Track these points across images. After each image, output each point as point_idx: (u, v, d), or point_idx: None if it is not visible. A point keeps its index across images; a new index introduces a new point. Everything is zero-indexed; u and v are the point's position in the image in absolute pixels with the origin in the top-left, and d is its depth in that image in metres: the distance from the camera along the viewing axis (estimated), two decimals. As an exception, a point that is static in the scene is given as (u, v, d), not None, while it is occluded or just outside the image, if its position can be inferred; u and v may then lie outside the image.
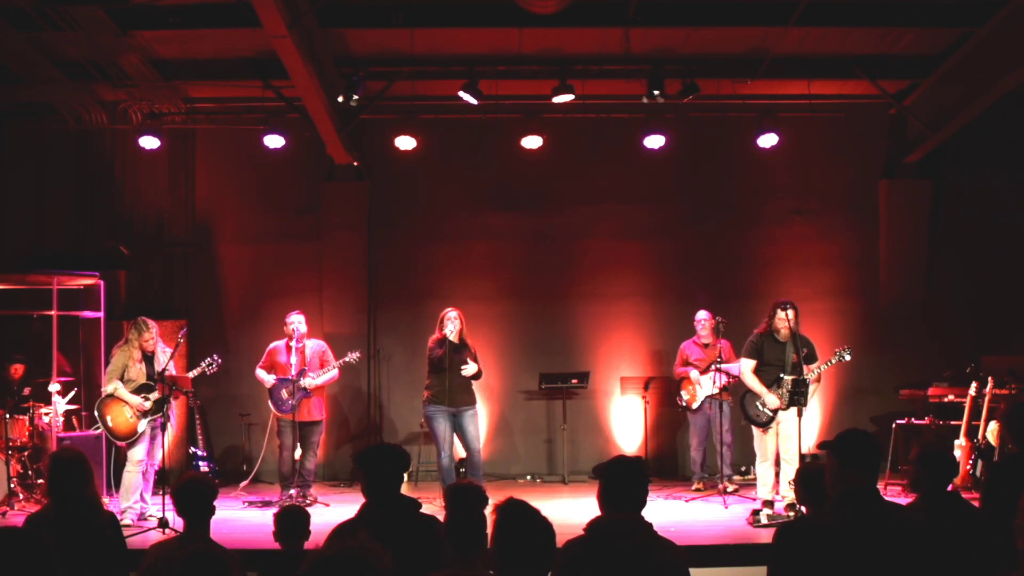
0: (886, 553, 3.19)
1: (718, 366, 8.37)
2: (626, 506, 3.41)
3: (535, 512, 3.10)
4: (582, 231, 10.25)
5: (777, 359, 7.39)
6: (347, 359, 8.38)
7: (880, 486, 8.76)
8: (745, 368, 7.55)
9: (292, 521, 4.36)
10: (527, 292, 10.23)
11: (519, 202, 10.25)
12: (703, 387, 8.83)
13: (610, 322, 10.20)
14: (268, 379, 8.34)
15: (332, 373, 8.41)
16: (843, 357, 7.42)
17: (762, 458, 7.48)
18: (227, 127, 10.09)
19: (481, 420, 8.75)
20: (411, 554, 3.20)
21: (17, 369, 9.03)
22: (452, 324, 7.97)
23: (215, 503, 4.05)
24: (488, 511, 3.21)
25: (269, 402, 8.38)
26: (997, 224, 10.05)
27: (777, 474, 7.57)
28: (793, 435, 7.17)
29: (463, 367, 7.94)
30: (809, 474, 4.44)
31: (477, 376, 8.11)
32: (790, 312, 7.38)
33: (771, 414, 7.36)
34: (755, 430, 7.51)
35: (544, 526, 3.07)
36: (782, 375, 7.34)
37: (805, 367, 7.31)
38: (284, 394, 8.24)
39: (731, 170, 10.15)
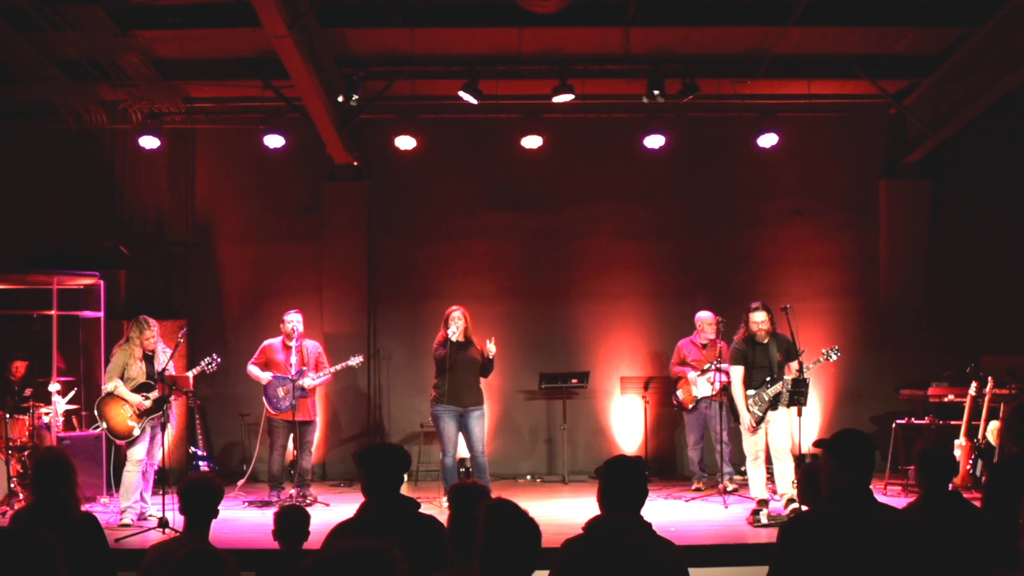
0: (878, 552, 3.21)
1: (718, 366, 8.37)
2: (626, 506, 3.41)
3: (522, 512, 3.07)
4: (582, 231, 10.25)
5: (761, 362, 7.45)
6: (350, 363, 8.36)
7: (880, 486, 8.80)
8: (735, 376, 7.56)
9: (293, 521, 4.36)
10: (527, 292, 10.22)
11: (519, 202, 10.25)
12: (699, 388, 8.84)
13: (610, 322, 10.20)
14: (264, 376, 8.32)
15: (328, 376, 8.43)
16: (830, 357, 7.49)
17: (752, 458, 7.51)
18: (227, 127, 10.10)
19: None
20: (410, 554, 3.18)
21: (19, 367, 9.02)
22: (455, 324, 7.92)
23: (219, 506, 4.05)
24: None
25: (263, 399, 8.38)
26: (997, 224, 10.04)
27: (770, 473, 7.59)
28: (784, 434, 7.32)
29: (486, 348, 7.95)
30: (814, 473, 4.44)
31: (485, 372, 8.10)
32: (760, 314, 7.43)
33: (760, 415, 7.41)
34: (744, 431, 7.55)
35: (530, 526, 3.03)
36: (769, 377, 7.40)
37: (786, 366, 7.37)
38: (280, 392, 8.23)
39: (731, 170, 10.14)
